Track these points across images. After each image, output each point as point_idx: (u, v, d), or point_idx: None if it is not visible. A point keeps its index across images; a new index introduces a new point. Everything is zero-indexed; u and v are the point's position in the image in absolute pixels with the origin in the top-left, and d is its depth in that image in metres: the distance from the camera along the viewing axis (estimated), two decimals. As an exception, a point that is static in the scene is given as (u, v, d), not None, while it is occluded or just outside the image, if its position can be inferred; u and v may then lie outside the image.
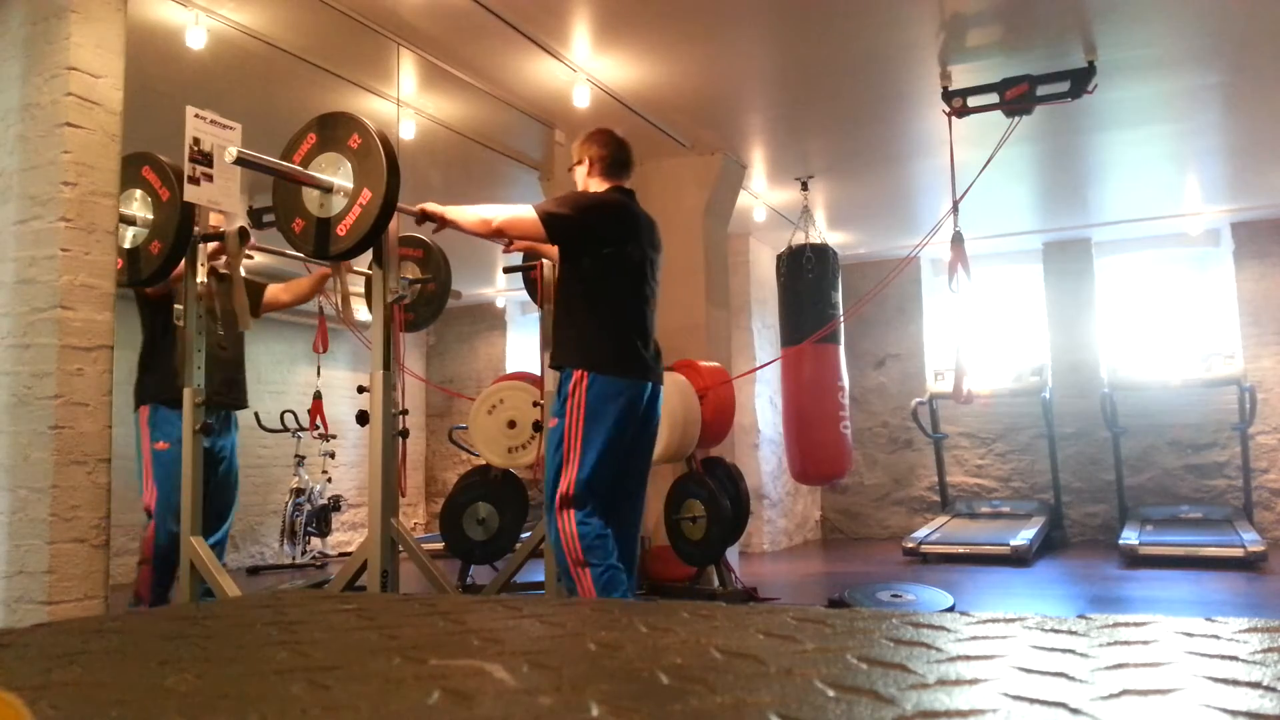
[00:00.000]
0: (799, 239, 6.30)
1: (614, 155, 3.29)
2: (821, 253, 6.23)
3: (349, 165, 3.01)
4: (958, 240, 4.84)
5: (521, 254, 4.05)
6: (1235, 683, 0.75)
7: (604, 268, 3.16)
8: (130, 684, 0.86)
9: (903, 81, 4.90)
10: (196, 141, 2.90)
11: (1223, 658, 0.84)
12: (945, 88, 4.75)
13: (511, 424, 4.88)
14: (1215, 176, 6.69)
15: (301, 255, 3.37)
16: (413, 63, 4.49)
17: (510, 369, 9.21)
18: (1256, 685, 0.74)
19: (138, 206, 3.21)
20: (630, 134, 3.46)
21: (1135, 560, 6.47)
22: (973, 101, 4.69)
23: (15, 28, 2.91)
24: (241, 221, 3.70)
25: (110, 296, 2.89)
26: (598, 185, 3.28)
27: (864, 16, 4.18)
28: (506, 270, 4.64)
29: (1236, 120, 5.52)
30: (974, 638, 0.95)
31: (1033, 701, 0.70)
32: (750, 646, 0.92)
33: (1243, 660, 0.83)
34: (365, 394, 3.20)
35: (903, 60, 4.65)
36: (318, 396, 6.15)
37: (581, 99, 4.72)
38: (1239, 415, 7.22)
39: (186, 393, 3.13)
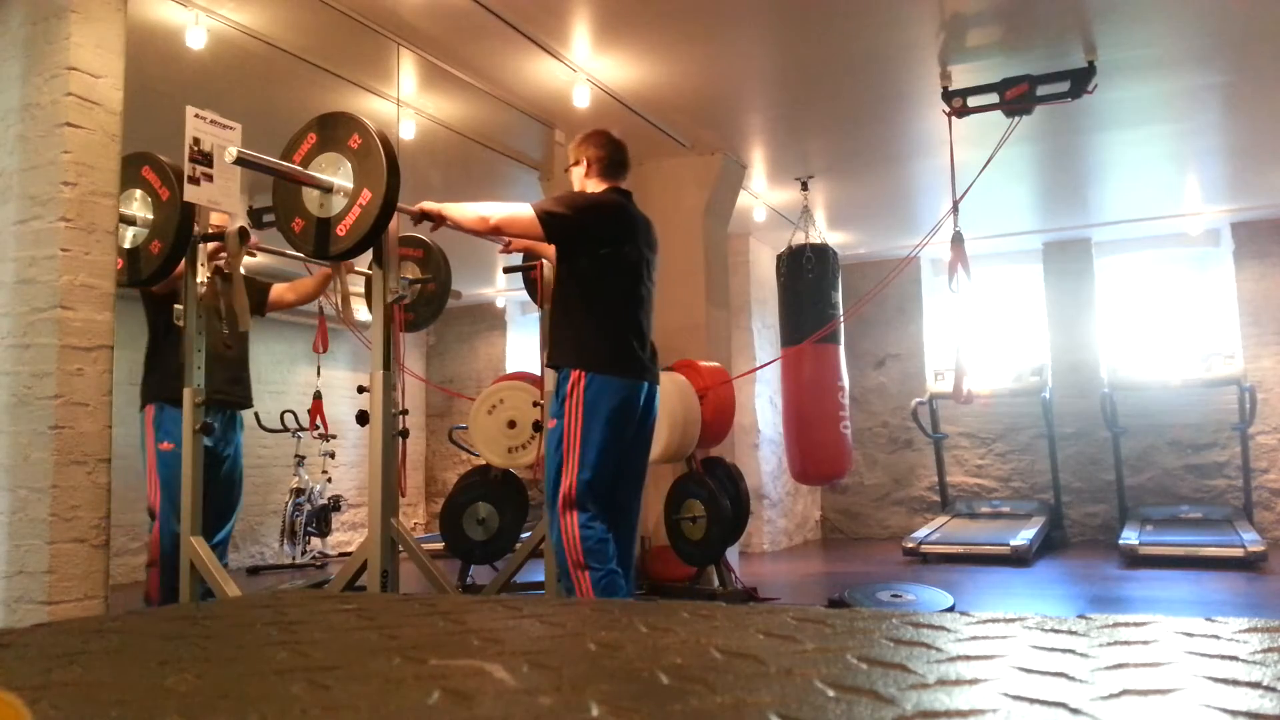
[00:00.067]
0: (799, 239, 6.30)
1: (611, 156, 3.30)
2: (821, 253, 6.23)
3: (349, 165, 3.01)
4: (958, 240, 4.84)
5: (521, 254, 4.05)
6: (1235, 683, 0.75)
7: (601, 268, 3.16)
8: (130, 684, 0.86)
9: (903, 81, 4.90)
10: (196, 141, 2.90)
11: (1223, 658, 0.84)
12: (945, 88, 4.75)
13: (511, 424, 4.88)
14: (1215, 176, 6.69)
15: (301, 255, 3.38)
16: (413, 63, 4.49)
17: (510, 369, 9.21)
18: (1256, 685, 0.74)
19: (138, 206, 3.21)
20: (630, 134, 3.46)
21: (1135, 560, 6.47)
22: (973, 101, 4.69)
23: (15, 28, 2.91)
24: (241, 221, 3.70)
25: (110, 296, 2.89)
26: (595, 186, 3.29)
27: (864, 16, 4.18)
28: (506, 270, 4.64)
29: (1236, 120, 5.52)
30: (974, 638, 0.95)
31: (1033, 701, 0.70)
32: (750, 646, 0.92)
33: (1243, 660, 0.83)
34: (365, 394, 3.20)
35: (903, 60, 4.65)
36: (318, 396, 6.17)
37: (581, 99, 4.72)
38: (1239, 415, 7.22)
39: (186, 393, 3.13)
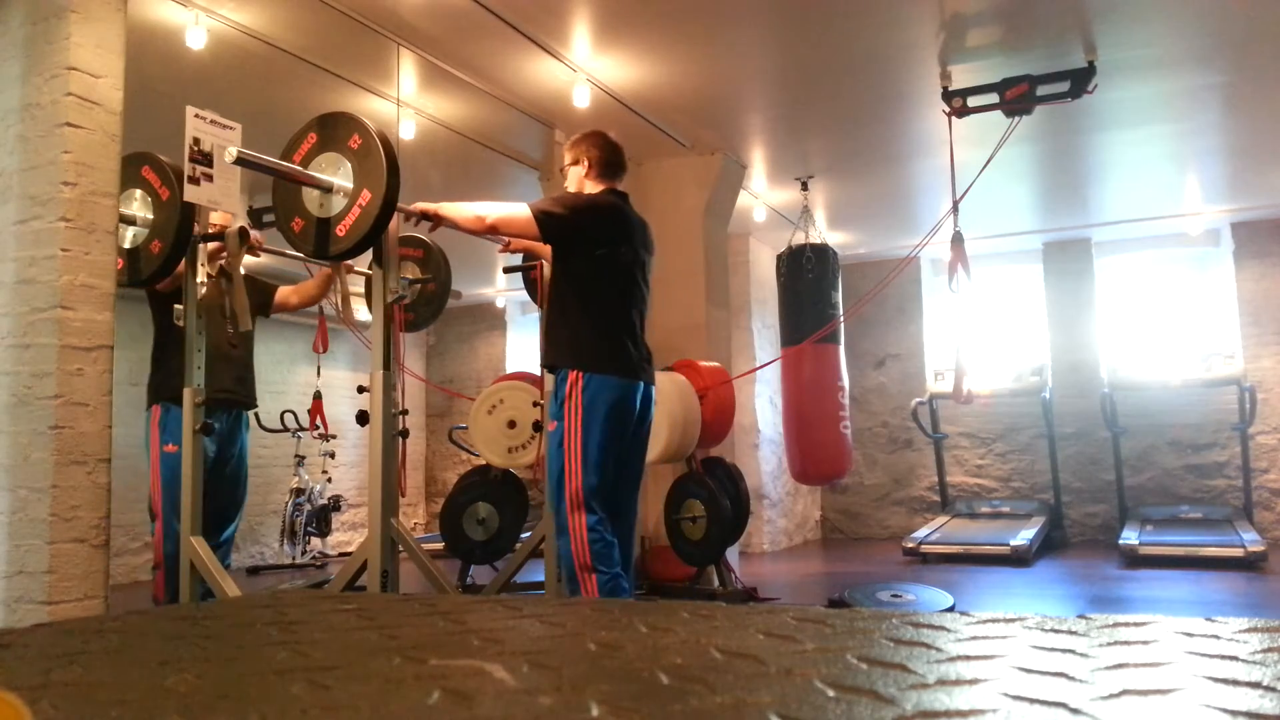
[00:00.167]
0: (799, 239, 6.30)
1: (609, 157, 3.30)
2: (821, 253, 6.23)
3: (349, 165, 3.01)
4: (958, 240, 4.84)
5: (521, 254, 4.05)
6: (1235, 683, 0.75)
7: (596, 269, 3.17)
8: (130, 684, 0.86)
9: (903, 81, 4.90)
10: (196, 141, 2.90)
11: (1223, 658, 0.84)
12: (945, 88, 4.75)
13: (511, 424, 4.88)
14: (1215, 176, 6.69)
15: (301, 255, 3.38)
16: (413, 63, 4.49)
17: (510, 369, 9.21)
18: (1256, 685, 0.74)
19: (138, 206, 3.22)
20: (630, 134, 3.47)
21: (1135, 560, 6.47)
22: (973, 101, 4.69)
23: (15, 28, 2.91)
24: (242, 222, 3.70)
25: (110, 296, 2.89)
26: (593, 186, 3.29)
27: (864, 16, 4.19)
28: (506, 270, 4.64)
29: (1236, 120, 5.52)
30: (974, 638, 0.95)
31: (1033, 701, 0.70)
32: (750, 646, 0.92)
33: (1243, 660, 0.83)
34: (365, 394, 3.20)
35: (903, 60, 4.65)
36: (318, 396, 6.16)
37: (581, 99, 4.72)
38: (1239, 415, 7.22)
39: (187, 393, 3.13)
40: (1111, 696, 0.71)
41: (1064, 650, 0.88)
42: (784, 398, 6.48)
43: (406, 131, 4.95)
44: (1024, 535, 6.86)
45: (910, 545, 6.99)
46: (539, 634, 1.04)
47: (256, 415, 4.19)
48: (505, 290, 9.62)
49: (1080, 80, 4.50)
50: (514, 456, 4.90)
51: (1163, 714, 0.67)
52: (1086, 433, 8.08)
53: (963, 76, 4.73)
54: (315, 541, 7.62)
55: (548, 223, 3.12)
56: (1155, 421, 7.84)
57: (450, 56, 4.47)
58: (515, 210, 3.14)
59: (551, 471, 3.21)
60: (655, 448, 4.46)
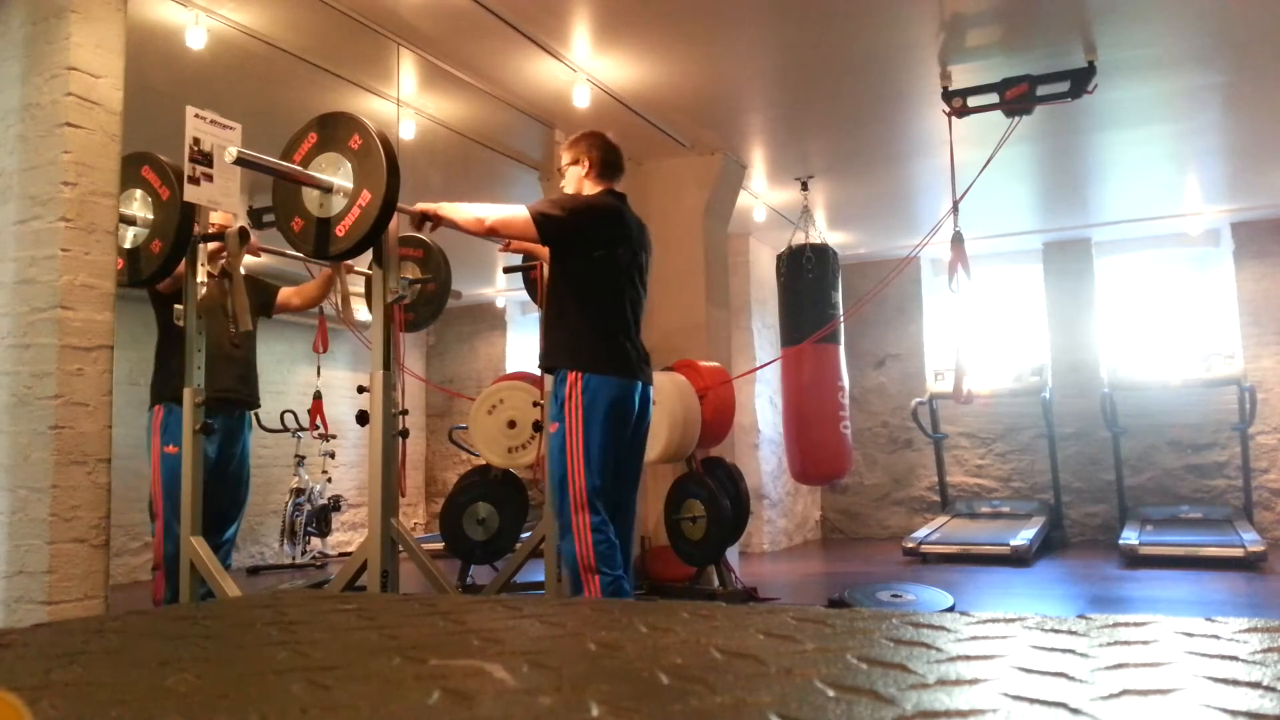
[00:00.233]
0: (799, 239, 6.30)
1: (608, 158, 3.31)
2: (821, 253, 6.23)
3: (349, 165, 3.01)
4: (958, 240, 4.84)
5: (521, 254, 4.05)
6: (1235, 683, 0.75)
7: (594, 270, 3.17)
8: (130, 684, 0.86)
9: (903, 81, 4.90)
10: (196, 141, 2.90)
11: (1223, 658, 0.84)
12: (945, 88, 4.75)
13: (511, 424, 4.88)
14: (1215, 176, 6.69)
15: (301, 255, 3.37)
16: (413, 63, 4.49)
17: (510, 369, 9.21)
18: (1256, 685, 0.74)
19: (138, 206, 3.21)
20: (630, 134, 3.47)
21: (1135, 560, 6.47)
22: (973, 101, 4.69)
23: (15, 28, 2.91)
24: (242, 222, 3.70)
25: (110, 296, 2.89)
26: (592, 187, 3.29)
27: (864, 16, 4.19)
28: (506, 270, 4.64)
29: (1236, 120, 5.52)
30: (974, 638, 0.95)
31: (1033, 701, 0.70)
32: (750, 646, 0.92)
33: (1243, 660, 0.83)
34: (365, 394, 3.20)
35: (903, 60, 4.65)
36: (318, 396, 6.16)
37: (581, 99, 4.72)
38: (1239, 415, 7.22)
39: (187, 393, 3.13)
40: (1111, 696, 0.71)
41: (1064, 650, 0.88)
42: (784, 398, 6.48)
43: (406, 131, 4.95)
44: (1024, 535, 6.86)
45: (910, 545, 6.99)
46: (539, 634, 1.04)
47: (257, 415, 4.19)
48: (505, 290, 9.62)
49: (1080, 80, 4.50)
50: (514, 456, 4.90)
51: (1163, 714, 0.67)
52: (1086, 433, 8.08)
53: (963, 76, 4.73)
54: (315, 541, 7.62)
55: (545, 224, 3.12)
56: (1155, 421, 7.85)
57: (450, 56, 4.47)
58: (514, 212, 3.15)
59: (553, 473, 3.21)
60: (655, 448, 4.46)
